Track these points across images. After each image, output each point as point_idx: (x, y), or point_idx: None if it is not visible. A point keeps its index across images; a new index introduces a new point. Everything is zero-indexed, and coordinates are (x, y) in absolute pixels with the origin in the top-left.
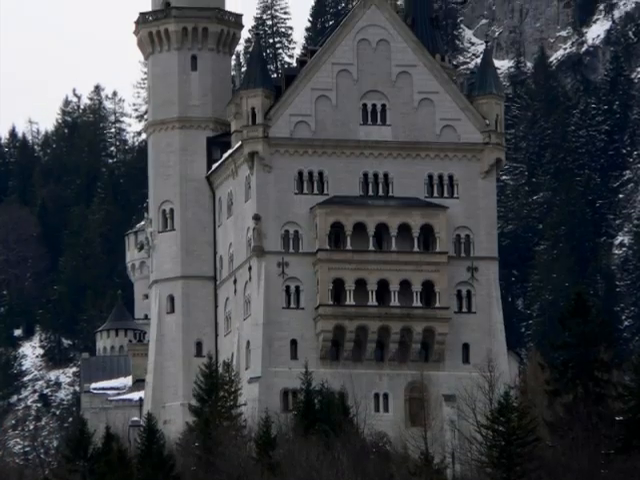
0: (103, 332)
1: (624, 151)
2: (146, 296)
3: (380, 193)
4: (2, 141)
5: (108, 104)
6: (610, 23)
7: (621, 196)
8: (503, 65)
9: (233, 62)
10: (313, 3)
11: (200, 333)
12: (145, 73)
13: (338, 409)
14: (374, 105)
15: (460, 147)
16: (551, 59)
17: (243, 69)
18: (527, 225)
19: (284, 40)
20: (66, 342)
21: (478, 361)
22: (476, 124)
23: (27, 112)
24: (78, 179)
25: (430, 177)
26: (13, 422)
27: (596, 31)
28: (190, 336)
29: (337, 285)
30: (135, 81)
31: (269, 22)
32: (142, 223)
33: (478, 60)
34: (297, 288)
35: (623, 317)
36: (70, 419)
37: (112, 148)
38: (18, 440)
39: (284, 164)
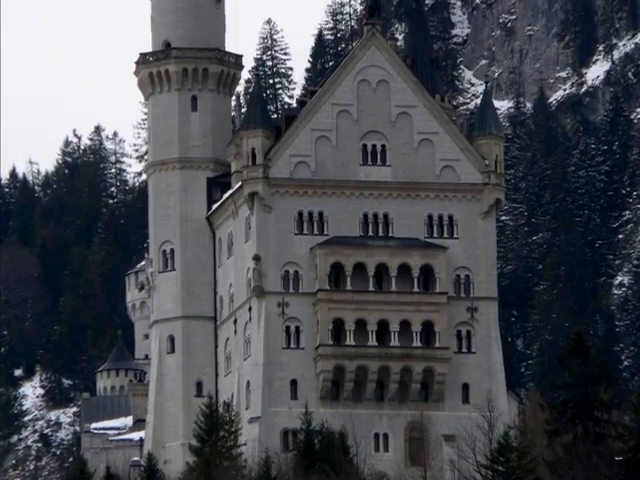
0: (103, 372)
1: (624, 191)
2: (146, 336)
3: (380, 233)
4: (3, 181)
5: (109, 145)
6: (610, 64)
7: (620, 236)
8: (503, 106)
9: (233, 103)
10: (313, 44)
11: (200, 373)
12: (145, 114)
13: (338, 449)
14: (374, 145)
15: (460, 187)
16: (551, 100)
17: (243, 110)
18: (527, 265)
19: (284, 81)
20: (66, 382)
21: (478, 401)
22: (476, 165)
23: (28, 153)
24: (78, 219)
25: (430, 217)
26: (14, 462)
27: (596, 72)
28: (190, 376)
29: (337, 325)
30: (135, 122)
31: (269, 63)
32: (142, 263)
33: (478, 101)
34: (297, 328)
35: (623, 357)
36: (70, 459)
37: (112, 188)
38: None
39: (284, 204)
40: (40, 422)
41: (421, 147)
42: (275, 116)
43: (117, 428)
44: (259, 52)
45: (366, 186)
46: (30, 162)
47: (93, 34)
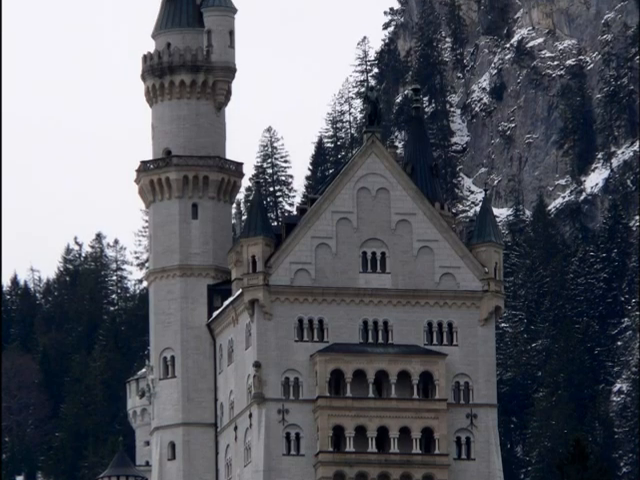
0: (105, 479)
1: (622, 299)
2: (147, 443)
3: (380, 340)
4: (4, 289)
5: (109, 252)
6: (608, 172)
7: (619, 343)
8: (502, 213)
9: (234, 210)
10: (313, 152)
11: None
12: (146, 221)
13: None
14: (374, 253)
15: (459, 295)
16: (550, 207)
17: (244, 217)
18: (526, 372)
19: (284, 188)
20: None
21: None
22: (475, 272)
23: (29, 260)
24: (79, 326)
25: (429, 324)
26: None
27: (594, 180)
28: None
29: (337, 432)
30: (136, 229)
31: (269, 170)
32: (143, 370)
33: (477, 208)
34: (297, 435)
35: (622, 464)
36: None
37: (113, 296)
38: None
39: (284, 312)
40: None
41: (421, 254)
42: (275, 224)
43: None
44: (259, 160)
45: (366, 293)
46: (31, 269)
47: (93, 142)
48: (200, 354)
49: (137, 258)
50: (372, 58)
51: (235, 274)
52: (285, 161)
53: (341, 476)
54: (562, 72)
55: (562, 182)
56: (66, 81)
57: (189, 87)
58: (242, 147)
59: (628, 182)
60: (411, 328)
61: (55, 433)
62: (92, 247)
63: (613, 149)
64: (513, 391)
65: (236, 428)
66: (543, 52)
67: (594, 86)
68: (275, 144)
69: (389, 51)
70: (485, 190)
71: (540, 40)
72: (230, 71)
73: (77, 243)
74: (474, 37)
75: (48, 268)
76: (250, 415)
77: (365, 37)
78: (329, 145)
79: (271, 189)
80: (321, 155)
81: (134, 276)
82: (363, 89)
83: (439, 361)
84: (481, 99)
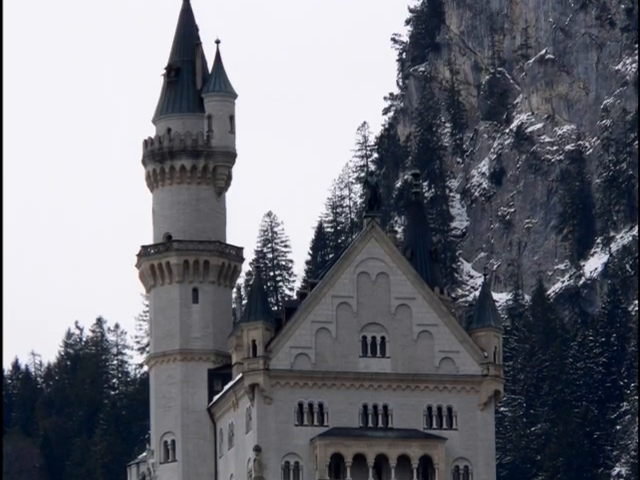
0: None
1: (621, 383)
2: None
3: (380, 424)
4: (5, 373)
5: (110, 336)
6: (607, 256)
7: (618, 427)
8: (501, 298)
9: (234, 295)
10: (313, 236)
11: None
12: (147, 306)
13: None
14: (374, 337)
15: (459, 379)
16: (549, 292)
17: (244, 301)
18: (525, 456)
19: (284, 273)
20: None
21: None
22: (475, 356)
23: (30, 344)
24: (80, 410)
25: (429, 409)
26: None
27: (594, 264)
28: None
29: None
30: (137, 314)
31: (270, 255)
32: (144, 454)
33: (476, 293)
34: None
35: None
36: None
37: (114, 380)
38: None
39: (284, 396)
40: None
41: (420, 339)
42: (275, 308)
43: None
44: (260, 244)
45: (366, 377)
46: (32, 353)
47: (94, 227)
48: (200, 438)
49: (138, 342)
50: (372, 143)
51: (235, 358)
52: (285, 246)
53: None
54: (561, 157)
55: (561, 267)
56: (67, 166)
57: (189, 172)
58: (242, 232)
59: (627, 267)
60: (411, 412)
61: None
62: (93, 331)
63: (612, 234)
64: (512, 475)
65: None
66: (542, 137)
67: (593, 171)
68: (275, 229)
69: (389, 136)
70: (484, 275)
71: (539, 125)
72: (230, 156)
73: (78, 327)
74: (473, 122)
75: (49, 352)
76: None
77: (365, 122)
78: (329, 230)
79: (271, 274)
80: (321, 240)
81: (135, 360)
82: (363, 174)
83: (439, 445)
84: (480, 184)
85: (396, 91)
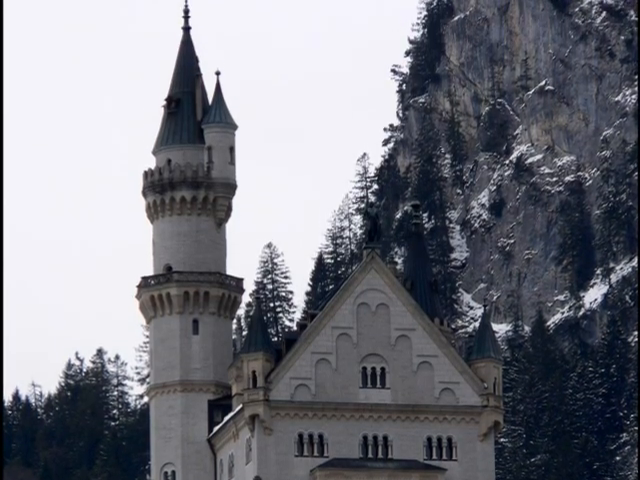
0: None
1: (621, 414)
2: None
3: (380, 455)
4: (5, 404)
5: (110, 367)
6: (607, 287)
7: (618, 458)
8: (501, 329)
9: (234, 326)
10: (313, 267)
11: None
12: (147, 337)
13: None
14: (373, 368)
15: (459, 410)
16: (549, 323)
17: (244, 332)
18: None
19: (284, 304)
20: None
21: None
22: (474, 387)
23: (30, 376)
24: (81, 441)
25: (429, 439)
26: None
27: (593, 295)
28: None
29: None
30: (137, 345)
31: (270, 286)
32: None
33: (476, 324)
34: None
35: None
36: None
37: (114, 411)
38: None
39: (284, 427)
40: None
41: (420, 370)
42: (276, 339)
43: None
44: (260, 275)
45: (366, 408)
46: (33, 385)
47: (94, 258)
48: (201, 469)
49: (138, 373)
50: (372, 174)
51: (235, 389)
52: (285, 277)
53: None
54: (561, 188)
55: (561, 298)
56: (67, 197)
57: (190, 203)
58: (242, 263)
59: (627, 298)
60: (411, 443)
61: None
62: (93, 362)
63: (612, 265)
64: None
65: None
66: (542, 168)
67: (593, 202)
68: (275, 260)
69: (389, 167)
70: (484, 306)
71: (539, 156)
72: (231, 188)
73: (78, 358)
74: (473, 153)
75: (49, 383)
76: None
77: (365, 153)
78: (329, 261)
79: (271, 305)
80: (321, 271)
81: (135, 391)
82: (363, 205)
83: (439, 476)
84: (480, 215)
85: (396, 122)
